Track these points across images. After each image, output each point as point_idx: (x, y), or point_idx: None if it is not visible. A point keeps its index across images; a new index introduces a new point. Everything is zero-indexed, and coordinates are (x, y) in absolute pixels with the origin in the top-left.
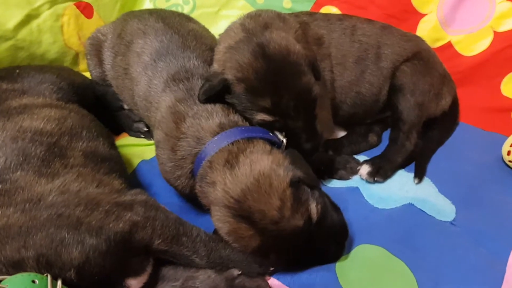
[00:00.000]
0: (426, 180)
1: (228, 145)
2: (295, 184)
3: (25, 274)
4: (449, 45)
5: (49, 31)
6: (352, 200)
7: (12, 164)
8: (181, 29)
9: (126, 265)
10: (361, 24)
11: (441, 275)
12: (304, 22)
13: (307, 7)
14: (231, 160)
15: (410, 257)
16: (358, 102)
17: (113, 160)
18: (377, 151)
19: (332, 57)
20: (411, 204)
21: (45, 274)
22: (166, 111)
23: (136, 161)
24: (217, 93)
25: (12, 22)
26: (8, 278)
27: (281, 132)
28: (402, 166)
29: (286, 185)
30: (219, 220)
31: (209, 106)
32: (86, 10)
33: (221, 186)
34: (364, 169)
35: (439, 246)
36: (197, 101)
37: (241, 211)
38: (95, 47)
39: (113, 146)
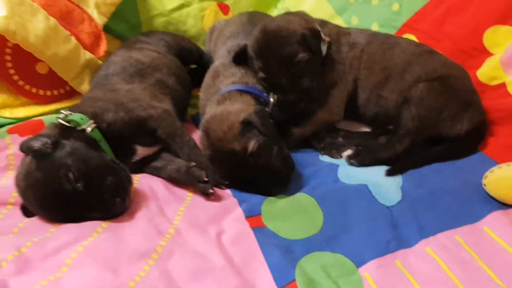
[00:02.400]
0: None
1: (225, 92)
2: (246, 124)
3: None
4: (503, 85)
5: (193, 17)
6: (326, 171)
7: (115, 72)
8: (257, 23)
9: (137, 136)
10: (404, 44)
11: (345, 230)
12: (347, 32)
13: (391, 32)
14: (220, 101)
15: (330, 212)
16: (380, 104)
17: (175, 92)
18: None
19: (362, 61)
20: (365, 185)
21: (91, 121)
22: (209, 70)
23: None
24: (240, 56)
25: (170, 6)
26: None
27: (272, 88)
28: (385, 163)
29: (237, 121)
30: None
31: (236, 70)
32: (225, 9)
33: (206, 115)
34: (347, 152)
35: (361, 216)
36: (232, 67)
37: (205, 128)
38: (211, 31)
39: (185, 87)
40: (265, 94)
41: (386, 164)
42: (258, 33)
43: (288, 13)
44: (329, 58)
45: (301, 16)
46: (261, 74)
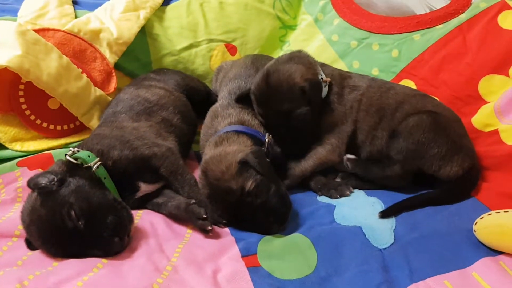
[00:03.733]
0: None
1: (222, 134)
2: (243, 164)
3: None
4: (495, 132)
5: (202, 57)
6: (323, 212)
7: (123, 110)
8: (260, 67)
9: (140, 173)
10: (399, 87)
11: (338, 272)
12: (348, 75)
13: (390, 77)
14: (218, 142)
15: (324, 253)
16: (374, 143)
17: (180, 130)
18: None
19: (361, 103)
20: (359, 227)
21: (97, 159)
22: (209, 111)
23: None
24: (243, 98)
25: (180, 45)
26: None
27: (269, 131)
28: (378, 182)
29: (235, 161)
30: (198, 174)
31: (232, 111)
32: (232, 50)
33: (205, 156)
34: (350, 155)
35: (354, 258)
36: (230, 108)
37: (204, 168)
38: (217, 71)
39: (189, 124)
40: (261, 134)
41: (375, 183)
42: (260, 81)
43: (291, 56)
44: (330, 99)
45: (304, 61)
46: (260, 119)
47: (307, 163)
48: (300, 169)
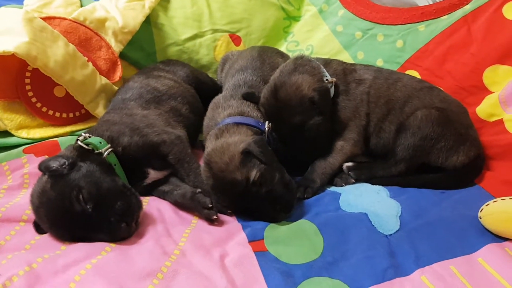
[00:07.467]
0: (395, 203)
1: (222, 126)
2: (246, 154)
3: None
4: (500, 122)
5: (206, 47)
6: (328, 199)
7: (132, 97)
8: (267, 59)
9: (149, 160)
10: (406, 79)
11: (344, 257)
12: (352, 69)
13: (394, 68)
14: (218, 135)
15: (330, 238)
16: (380, 136)
17: (188, 120)
18: None
19: (370, 95)
20: (365, 214)
21: (108, 145)
22: (212, 102)
23: None
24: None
25: (184, 35)
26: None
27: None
28: (380, 181)
29: (238, 151)
30: (201, 166)
31: (234, 102)
32: (236, 40)
33: (207, 148)
34: (349, 163)
35: (360, 243)
36: (232, 99)
37: (207, 161)
38: (223, 61)
39: (197, 115)
40: (260, 123)
41: (381, 183)
42: (269, 95)
43: (296, 65)
44: (338, 98)
45: (308, 68)
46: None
47: (336, 160)
48: (331, 167)
